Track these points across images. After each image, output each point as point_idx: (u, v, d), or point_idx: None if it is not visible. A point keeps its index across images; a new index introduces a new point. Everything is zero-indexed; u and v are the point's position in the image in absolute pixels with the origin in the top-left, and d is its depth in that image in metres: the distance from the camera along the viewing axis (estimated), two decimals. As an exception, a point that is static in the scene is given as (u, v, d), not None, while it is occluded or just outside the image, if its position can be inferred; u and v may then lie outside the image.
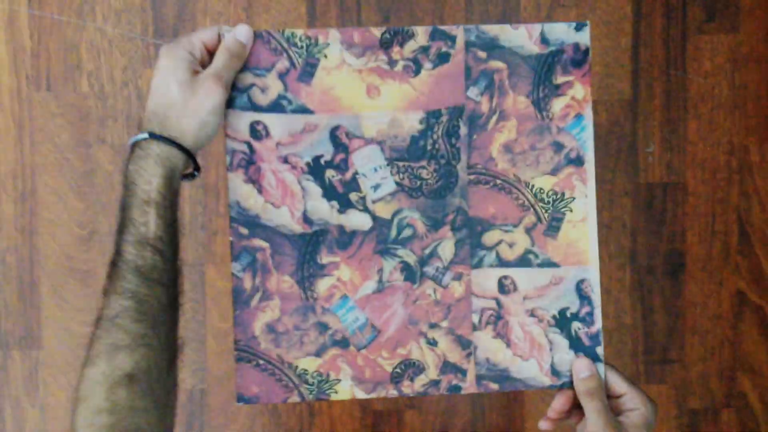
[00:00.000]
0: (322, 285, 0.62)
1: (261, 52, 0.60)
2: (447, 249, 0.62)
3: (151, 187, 0.53)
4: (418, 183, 0.62)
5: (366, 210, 0.62)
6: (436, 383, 0.62)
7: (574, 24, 0.61)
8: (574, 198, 0.61)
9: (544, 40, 0.61)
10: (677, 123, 0.84)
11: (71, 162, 0.85)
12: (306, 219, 0.62)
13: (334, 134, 0.62)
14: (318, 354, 0.62)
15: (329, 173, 0.62)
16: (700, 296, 0.84)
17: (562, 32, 0.61)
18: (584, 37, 0.61)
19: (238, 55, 0.58)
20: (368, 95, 0.62)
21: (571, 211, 0.61)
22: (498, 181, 0.62)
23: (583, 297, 0.61)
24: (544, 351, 0.61)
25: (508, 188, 0.62)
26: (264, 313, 0.62)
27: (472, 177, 0.62)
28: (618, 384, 0.59)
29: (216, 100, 0.56)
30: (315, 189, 0.62)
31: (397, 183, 0.62)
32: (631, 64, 0.84)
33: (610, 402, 0.59)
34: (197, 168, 0.58)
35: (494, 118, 0.62)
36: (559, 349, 0.61)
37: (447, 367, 0.62)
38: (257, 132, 0.61)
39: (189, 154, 0.55)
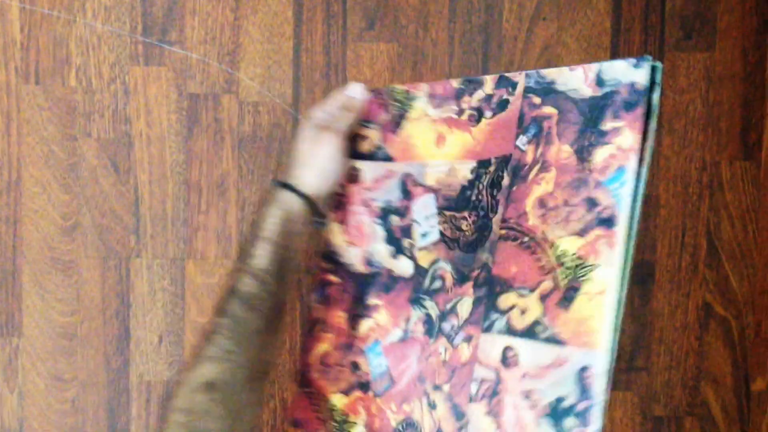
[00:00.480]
0: (364, 325, 0.64)
1: (373, 107, 0.65)
2: (465, 307, 0.57)
3: (268, 226, 0.62)
4: (457, 234, 0.60)
5: (412, 257, 0.62)
6: None
7: (633, 60, 0.52)
8: (596, 265, 0.51)
9: (599, 82, 0.53)
10: (652, 137, 0.86)
11: (57, 154, 0.87)
12: (368, 261, 0.64)
13: (403, 182, 0.63)
14: (347, 392, 0.63)
15: (393, 219, 0.63)
16: (668, 307, 0.86)
17: (621, 71, 0.52)
18: (641, 76, 0.52)
19: (350, 108, 0.66)
20: (437, 144, 0.62)
21: (590, 280, 0.51)
22: (525, 239, 0.54)
23: (584, 389, 0.51)
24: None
25: (534, 247, 0.54)
26: (321, 344, 0.65)
27: (503, 232, 0.55)
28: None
29: (331, 150, 0.64)
30: (381, 233, 0.64)
31: (440, 232, 0.60)
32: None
33: None
34: (320, 214, 0.64)
35: (536, 168, 0.55)
36: None
37: None
38: (352, 176, 0.65)
39: (308, 200, 0.63)
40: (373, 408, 0.62)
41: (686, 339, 0.87)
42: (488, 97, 0.60)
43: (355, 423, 0.63)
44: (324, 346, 0.65)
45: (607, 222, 0.51)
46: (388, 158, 0.64)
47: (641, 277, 0.86)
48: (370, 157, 0.65)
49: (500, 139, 0.58)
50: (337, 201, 0.65)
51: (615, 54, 0.85)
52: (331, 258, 0.65)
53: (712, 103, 0.86)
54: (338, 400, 0.63)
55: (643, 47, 0.85)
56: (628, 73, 0.52)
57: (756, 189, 0.86)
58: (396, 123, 0.64)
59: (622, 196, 0.51)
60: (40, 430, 0.87)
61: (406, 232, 0.62)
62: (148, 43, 0.86)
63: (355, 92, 0.66)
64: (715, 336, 0.87)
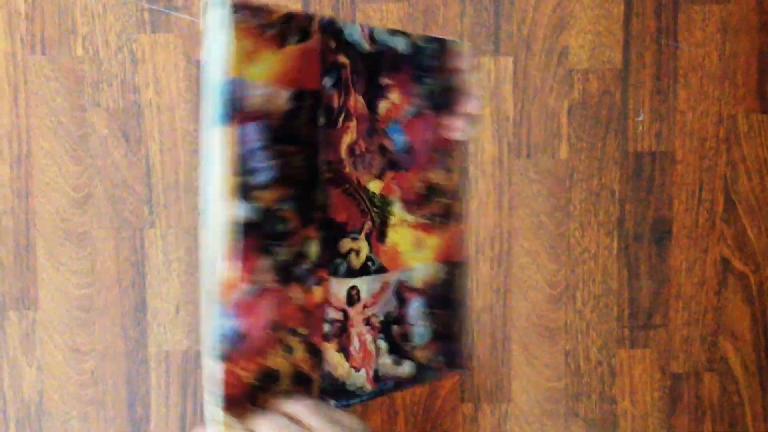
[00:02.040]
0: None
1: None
2: (313, 248, 0.57)
3: None
4: (290, 171, 0.55)
5: (250, 198, 0.53)
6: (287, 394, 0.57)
7: (398, 30, 0.60)
8: (394, 202, 0.60)
9: (372, 39, 0.58)
10: (667, 92, 0.85)
11: (66, 126, 0.86)
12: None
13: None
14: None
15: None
16: (686, 263, 0.86)
17: (385, 34, 0.59)
18: (401, 43, 0.59)
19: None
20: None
21: (393, 215, 0.60)
22: (347, 186, 0.58)
23: (401, 299, 0.61)
24: (371, 358, 0.60)
25: (354, 193, 0.59)
26: None
27: (329, 175, 0.57)
28: None
29: None
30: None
31: (274, 167, 0.54)
32: (623, 34, 0.84)
33: None
34: None
35: (342, 116, 0.58)
36: (382, 354, 0.60)
37: (298, 378, 0.57)
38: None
39: None
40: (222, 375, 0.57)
41: (704, 295, 0.86)
42: (289, 17, 0.54)
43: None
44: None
45: (394, 165, 0.60)
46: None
47: (658, 234, 0.86)
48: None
49: (307, 70, 0.55)
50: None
51: (629, 8, 0.84)
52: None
53: (728, 55, 0.84)
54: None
55: (658, 1, 0.84)
56: (393, 39, 0.59)
57: (773, 142, 0.85)
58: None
59: (401, 143, 0.61)
60: (60, 402, 0.88)
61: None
62: (154, 10, 0.85)
63: None
64: (733, 291, 0.86)
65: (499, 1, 0.84)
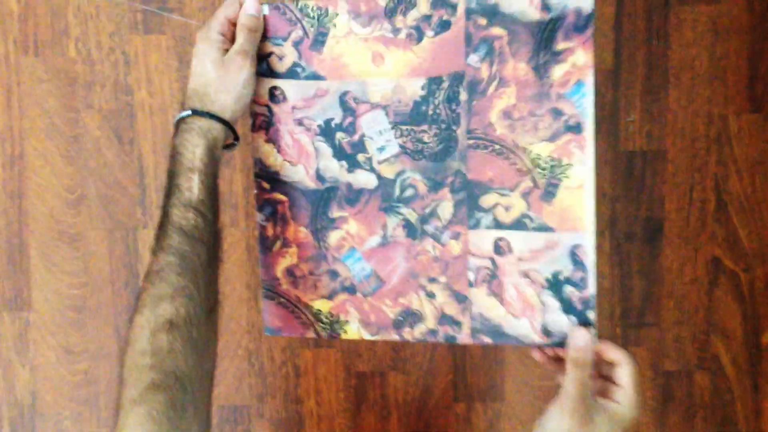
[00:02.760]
0: (333, 237, 0.67)
1: (278, 23, 0.65)
2: (446, 209, 0.64)
3: (195, 157, 0.59)
4: (420, 146, 0.64)
5: (372, 170, 0.65)
6: (433, 332, 0.66)
7: None
8: (571, 165, 0.60)
9: (545, 6, 0.60)
10: (658, 92, 0.85)
11: (59, 127, 0.86)
12: (318, 176, 0.66)
13: (343, 99, 0.65)
14: (330, 297, 0.68)
15: (339, 135, 0.66)
16: (677, 262, 0.86)
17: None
18: (587, 3, 0.59)
19: (255, 28, 0.63)
20: (374, 63, 0.64)
21: (568, 177, 0.61)
22: (496, 147, 0.62)
23: (577, 262, 0.61)
24: (536, 311, 0.63)
25: (506, 153, 0.62)
26: (284, 259, 0.68)
27: (471, 142, 0.63)
28: (613, 353, 0.60)
29: (246, 73, 0.62)
30: (326, 149, 0.66)
31: (400, 146, 0.65)
32: (614, 34, 0.85)
33: (602, 380, 0.61)
34: (236, 138, 0.64)
35: (494, 84, 0.62)
36: (551, 310, 0.62)
37: (444, 318, 0.66)
38: (275, 96, 0.66)
39: (228, 126, 0.62)
40: (366, 306, 0.67)
41: (696, 294, 0.87)
42: (426, 17, 0.63)
43: (347, 321, 0.68)
44: (288, 260, 0.69)
45: (575, 128, 0.60)
46: (315, 77, 0.66)
47: (650, 233, 0.86)
48: (290, 75, 0.66)
49: (448, 56, 0.63)
50: (261, 121, 0.67)
51: (620, 8, 0.85)
52: (270, 178, 0.67)
53: (718, 56, 0.85)
54: (323, 305, 0.69)
55: (648, 1, 0.84)
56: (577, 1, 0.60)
57: (764, 142, 0.85)
58: (317, 41, 0.65)
59: (585, 106, 0.60)
60: (53, 403, 0.88)
61: (359, 146, 0.66)
62: (147, 12, 0.85)
63: (252, 8, 0.63)
64: (724, 290, 0.87)
65: (491, 1, 0.85)
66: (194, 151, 0.60)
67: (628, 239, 0.86)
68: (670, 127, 0.86)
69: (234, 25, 0.64)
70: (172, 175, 0.60)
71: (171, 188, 0.59)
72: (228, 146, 0.64)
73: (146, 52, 0.86)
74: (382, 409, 0.87)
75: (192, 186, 0.59)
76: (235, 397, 0.87)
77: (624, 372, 0.59)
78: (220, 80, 0.61)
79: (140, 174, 0.86)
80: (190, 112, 0.61)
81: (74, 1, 0.85)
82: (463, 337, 0.65)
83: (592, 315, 0.62)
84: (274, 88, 0.66)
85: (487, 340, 0.65)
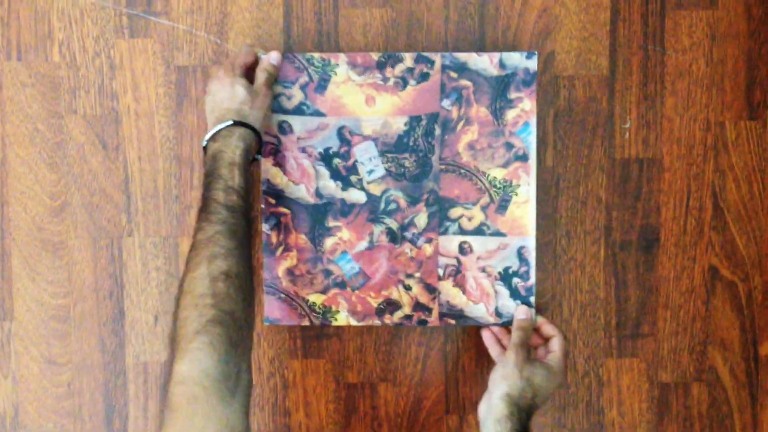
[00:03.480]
0: (329, 242, 0.82)
1: (288, 70, 0.80)
2: (422, 220, 0.82)
3: (236, 155, 0.72)
4: (402, 170, 0.81)
5: (362, 189, 0.81)
6: (409, 317, 0.82)
7: (525, 53, 0.80)
8: (519, 185, 0.81)
9: (501, 65, 0.80)
10: (654, 99, 0.84)
11: (42, 133, 0.84)
12: (317, 194, 0.81)
13: (340, 132, 0.81)
14: (323, 292, 0.82)
15: (336, 161, 0.81)
16: (673, 271, 0.85)
17: (516, 59, 0.80)
18: (532, 64, 0.80)
19: (274, 73, 0.79)
20: (367, 104, 0.81)
21: (516, 195, 0.81)
22: (462, 171, 0.81)
23: (523, 259, 0.81)
24: (491, 298, 0.82)
25: (470, 176, 0.81)
26: (285, 261, 0.82)
27: (442, 167, 0.81)
28: (548, 328, 0.80)
29: (269, 101, 0.78)
30: (324, 172, 0.81)
31: (386, 169, 0.81)
32: (609, 40, 0.83)
33: (539, 348, 0.80)
34: (259, 151, 0.78)
35: (461, 123, 0.81)
36: (502, 297, 0.82)
37: (418, 306, 0.82)
38: (283, 128, 0.81)
39: (259, 136, 0.76)
40: (353, 298, 0.82)
41: (693, 304, 0.85)
42: (410, 70, 0.80)
43: (338, 311, 0.82)
44: (288, 261, 0.82)
45: (523, 158, 0.81)
46: (318, 113, 0.81)
47: (646, 242, 0.84)
48: (296, 112, 0.81)
49: (426, 101, 0.81)
50: (270, 148, 0.81)
51: (616, 13, 0.83)
52: (276, 194, 0.81)
53: (715, 62, 0.83)
54: (317, 298, 0.82)
55: (644, 7, 0.83)
56: (523, 61, 0.80)
57: (761, 149, 0.84)
58: (321, 85, 0.80)
59: (530, 141, 0.81)
60: (36, 415, 0.86)
61: (352, 170, 0.81)
62: (133, 15, 0.84)
63: (275, 59, 0.79)
64: (721, 300, 0.85)
65: (484, 7, 0.83)
66: (235, 150, 0.72)
67: (624, 248, 0.85)
68: (666, 134, 0.84)
69: (248, 67, 0.79)
70: (214, 169, 0.71)
71: (214, 178, 0.70)
72: (252, 160, 0.76)
73: (132, 57, 0.84)
74: (372, 422, 0.86)
75: (234, 176, 0.70)
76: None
77: (555, 342, 0.78)
78: (253, 101, 0.76)
79: (125, 181, 0.84)
80: (231, 122, 0.74)
81: (58, 4, 0.83)
82: (433, 320, 0.82)
83: (532, 299, 0.81)
84: (283, 121, 0.81)
85: (452, 321, 0.82)
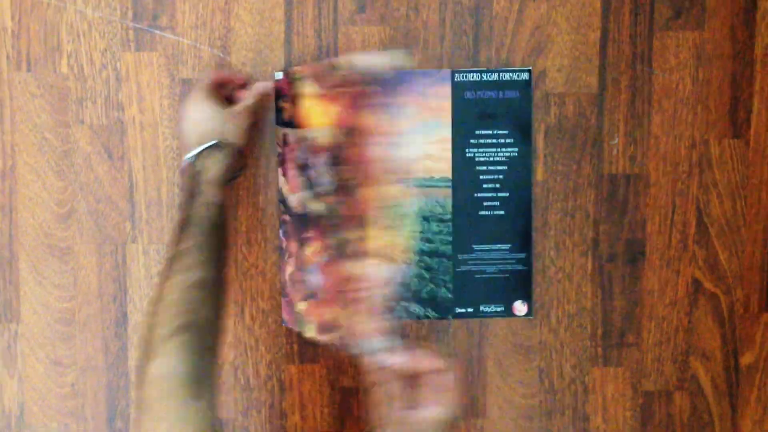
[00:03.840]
0: (308, 251, 0.83)
1: (284, 84, 0.84)
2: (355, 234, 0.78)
3: (216, 172, 0.76)
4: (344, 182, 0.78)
5: (320, 200, 0.80)
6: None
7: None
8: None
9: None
10: (642, 117, 0.87)
11: (50, 141, 0.87)
12: (303, 204, 0.83)
13: (309, 145, 0.80)
14: (305, 300, 0.84)
15: (308, 171, 0.81)
16: (658, 283, 0.88)
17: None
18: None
19: (256, 101, 0.82)
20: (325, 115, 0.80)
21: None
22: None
23: None
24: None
25: None
26: (288, 267, 0.86)
27: None
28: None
29: (249, 121, 0.81)
30: (303, 182, 0.82)
31: (330, 181, 0.79)
32: (599, 59, 0.86)
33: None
34: (241, 168, 0.83)
35: None
36: None
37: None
38: (286, 140, 0.85)
39: (241, 152, 0.80)
40: (319, 310, 0.83)
41: (676, 315, 0.88)
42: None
43: (310, 321, 0.84)
44: (290, 268, 0.86)
45: None
46: (299, 125, 0.82)
47: (631, 255, 0.87)
48: (290, 124, 0.83)
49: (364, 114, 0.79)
50: (279, 159, 0.86)
51: (605, 33, 0.86)
52: (284, 203, 0.86)
53: (701, 81, 0.86)
54: (302, 306, 0.85)
55: (633, 28, 0.86)
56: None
57: (744, 167, 0.87)
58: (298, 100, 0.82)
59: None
60: (41, 414, 0.89)
61: (316, 180, 0.81)
62: (139, 29, 0.87)
63: (263, 89, 0.84)
64: (704, 312, 0.88)
65: (479, 25, 0.86)
66: (217, 168, 0.76)
67: (610, 260, 0.88)
68: (653, 151, 0.87)
69: (240, 84, 0.84)
70: (196, 184, 0.75)
71: (195, 192, 0.74)
72: (235, 176, 0.81)
73: (137, 69, 0.87)
74: (366, 425, 0.89)
75: (215, 192, 0.75)
76: (219, 411, 0.88)
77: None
78: (230, 120, 0.79)
79: (130, 189, 0.87)
80: (216, 141, 0.77)
81: (67, 17, 0.86)
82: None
83: None
84: (285, 134, 0.85)
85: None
